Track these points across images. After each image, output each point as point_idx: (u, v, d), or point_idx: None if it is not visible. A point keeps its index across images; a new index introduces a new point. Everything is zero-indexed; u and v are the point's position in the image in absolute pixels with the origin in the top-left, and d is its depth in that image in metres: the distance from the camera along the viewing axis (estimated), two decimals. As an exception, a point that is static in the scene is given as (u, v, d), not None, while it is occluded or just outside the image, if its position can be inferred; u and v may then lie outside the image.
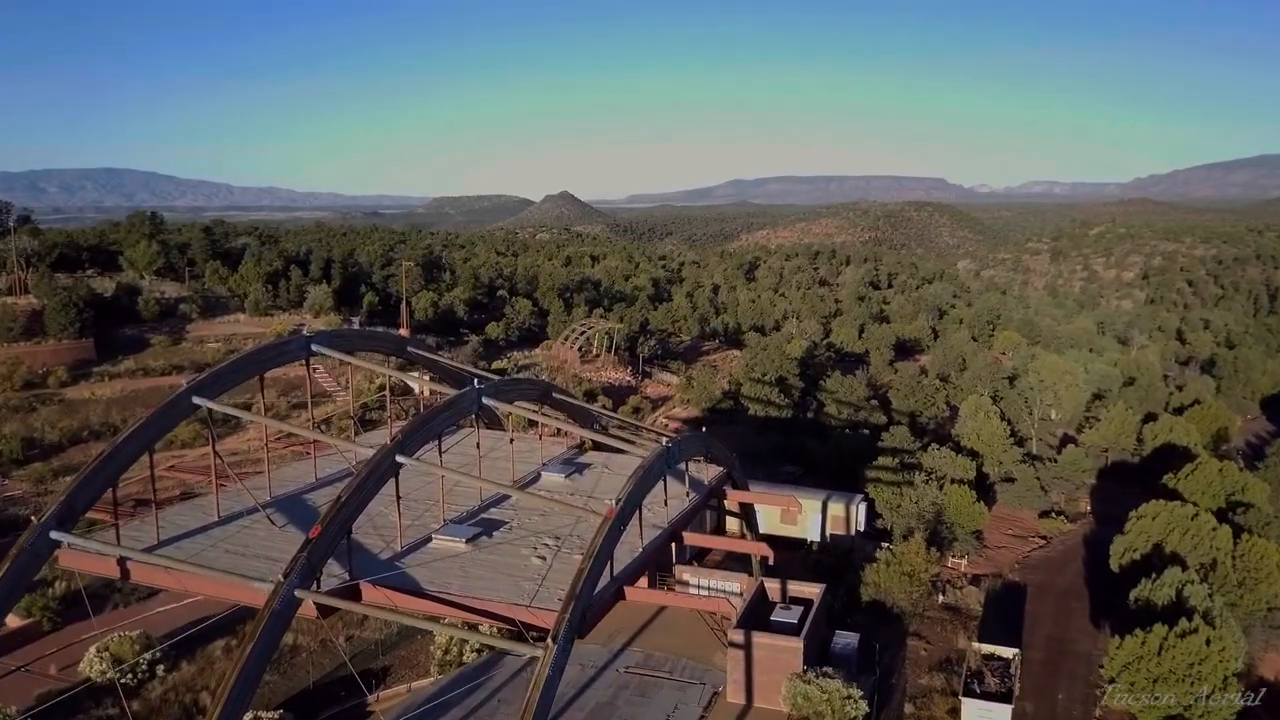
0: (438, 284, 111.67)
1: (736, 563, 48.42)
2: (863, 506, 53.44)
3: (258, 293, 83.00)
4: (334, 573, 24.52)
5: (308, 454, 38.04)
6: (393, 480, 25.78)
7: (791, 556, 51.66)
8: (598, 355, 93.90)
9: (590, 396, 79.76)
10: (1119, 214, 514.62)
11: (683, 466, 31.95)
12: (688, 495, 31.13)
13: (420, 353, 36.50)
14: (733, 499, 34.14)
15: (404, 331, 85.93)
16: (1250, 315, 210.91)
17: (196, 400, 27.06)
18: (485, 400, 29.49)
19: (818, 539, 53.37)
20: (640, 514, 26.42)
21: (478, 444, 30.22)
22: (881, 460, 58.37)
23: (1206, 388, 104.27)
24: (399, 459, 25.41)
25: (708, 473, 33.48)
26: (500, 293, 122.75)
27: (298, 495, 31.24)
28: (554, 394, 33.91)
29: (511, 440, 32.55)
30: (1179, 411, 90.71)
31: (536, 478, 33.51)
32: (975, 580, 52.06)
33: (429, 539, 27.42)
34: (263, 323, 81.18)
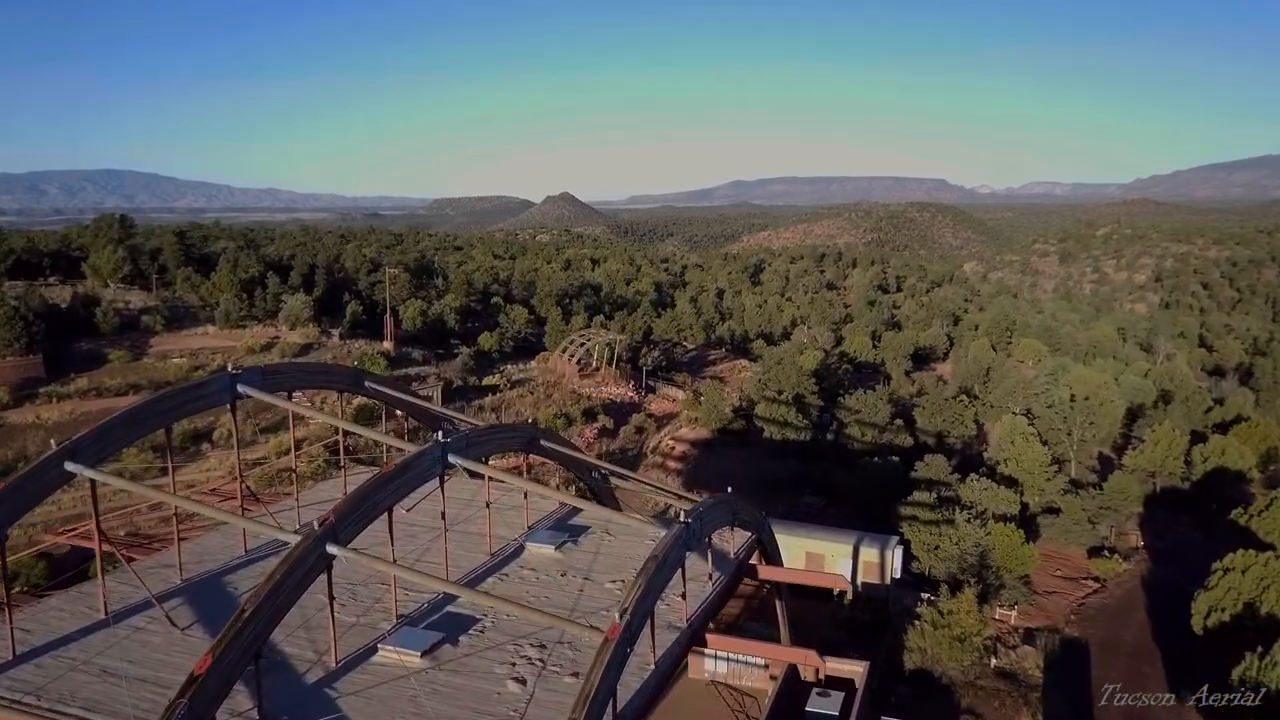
0: (428, 291, 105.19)
1: (758, 623, 42.11)
2: (899, 550, 46.97)
3: (229, 302, 76.52)
4: (240, 709, 18.16)
5: (256, 507, 31.79)
6: (327, 573, 19.36)
7: (819, 609, 45.39)
8: (598, 368, 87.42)
9: (590, 415, 73.37)
10: (1123, 215, 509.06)
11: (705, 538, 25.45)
12: (710, 578, 24.67)
13: (380, 389, 30.04)
14: (765, 574, 27.69)
15: (388, 345, 79.55)
16: (1271, 319, 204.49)
17: (70, 467, 20.64)
18: (453, 459, 23.04)
19: (848, 588, 46.94)
20: (652, 615, 19.91)
21: (443, 513, 23.71)
22: (917, 496, 51.85)
23: (1247, 401, 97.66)
24: (330, 550, 18.95)
25: (733, 541, 27.01)
26: (495, 300, 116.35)
27: (217, 576, 24.80)
28: (542, 441, 27.43)
29: (489, 504, 26.03)
30: (1222, 428, 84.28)
31: (520, 550, 27.01)
32: (1029, 636, 45.57)
33: (375, 649, 20.95)
34: (233, 335, 74.74)
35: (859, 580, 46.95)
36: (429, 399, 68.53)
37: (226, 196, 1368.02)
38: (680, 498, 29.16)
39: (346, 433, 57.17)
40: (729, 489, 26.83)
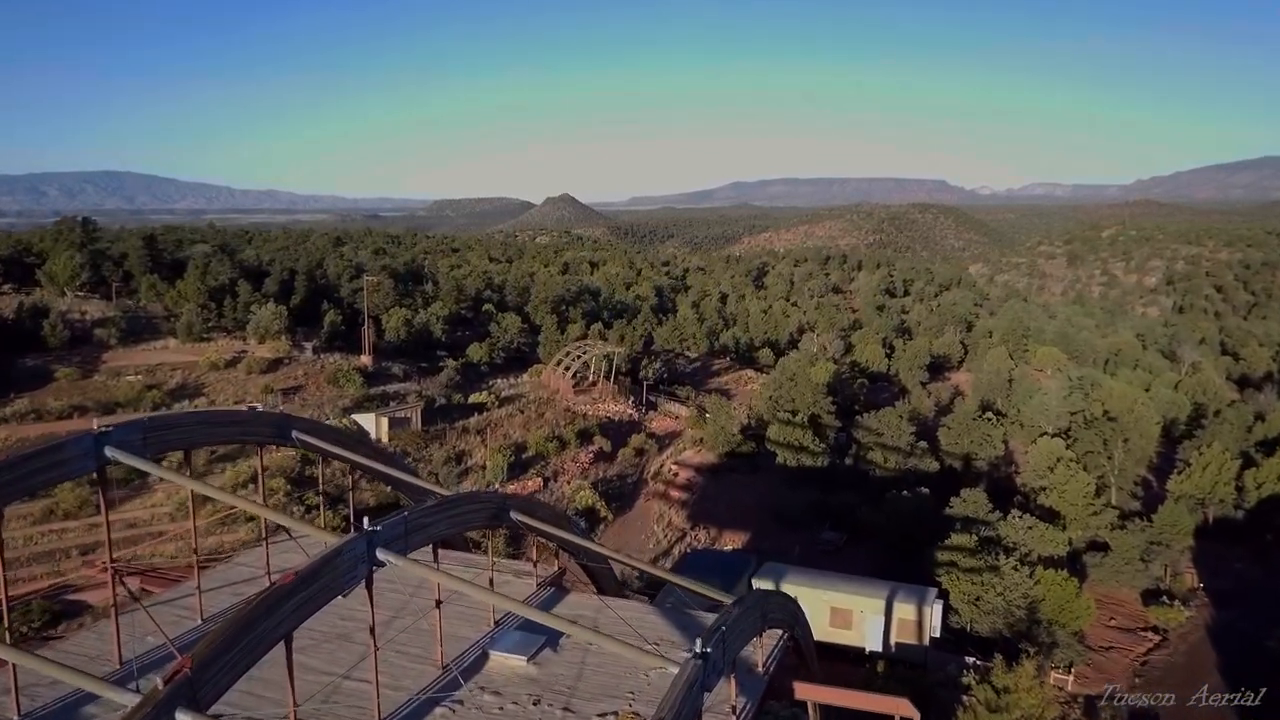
0: (414, 298, 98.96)
1: (779, 701, 35.89)
2: (938, 607, 40.77)
3: (191, 313, 70.21)
4: None
5: (154, 587, 25.97)
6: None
7: (848, 674, 39.21)
8: (594, 383, 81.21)
9: (585, 437, 67.19)
10: (1126, 216, 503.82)
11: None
12: (734, 711, 18.39)
13: (312, 441, 23.80)
14: (803, 694, 21.48)
15: (366, 359, 73.32)
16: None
17: None
18: (383, 555, 16.83)
19: (879, 649, 40.82)
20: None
21: (372, 627, 17.45)
22: (956, 539, 45.54)
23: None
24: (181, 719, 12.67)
25: (761, 649, 20.74)
26: (487, 307, 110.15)
27: (73, 707, 18.53)
28: (513, 513, 21.22)
29: (439, 602, 19.78)
30: (1267, 447, 78.06)
31: (481, 660, 20.75)
32: (1091, 706, 39.40)
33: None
34: (196, 349, 68.44)
35: (892, 640, 40.86)
36: (407, 421, 62.39)
37: (226, 198, 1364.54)
38: (691, 592, 22.88)
39: (294, 478, 50.65)
40: (756, 587, 20.63)
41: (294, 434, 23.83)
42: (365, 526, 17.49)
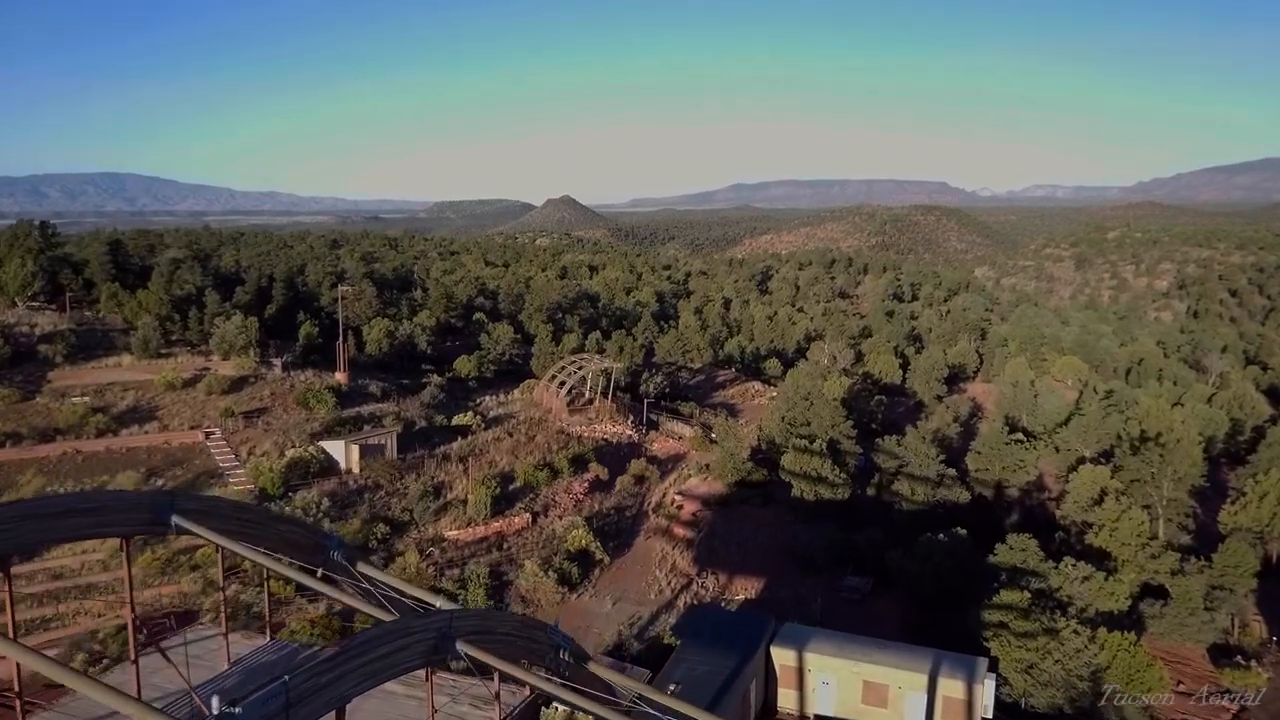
0: (398, 308, 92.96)
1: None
2: (990, 683, 34.58)
3: (148, 327, 64.13)
4: None
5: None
6: None
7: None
8: (591, 400, 75.19)
9: (580, 463, 61.17)
10: (1130, 218, 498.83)
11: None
12: None
13: (200, 530, 17.76)
14: None
15: (340, 376, 67.26)
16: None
17: None
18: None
19: (921, 732, 34.75)
20: None
21: None
22: (1005, 596, 39.31)
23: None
24: None
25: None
26: (478, 316, 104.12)
27: None
28: (460, 644, 15.18)
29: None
30: (1318, 470, 71.88)
31: None
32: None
33: None
34: (153, 367, 62.42)
35: (936, 721, 34.79)
36: (381, 448, 56.35)
37: (227, 199, 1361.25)
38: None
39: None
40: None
41: (175, 518, 17.81)
42: (216, 709, 11.56)
